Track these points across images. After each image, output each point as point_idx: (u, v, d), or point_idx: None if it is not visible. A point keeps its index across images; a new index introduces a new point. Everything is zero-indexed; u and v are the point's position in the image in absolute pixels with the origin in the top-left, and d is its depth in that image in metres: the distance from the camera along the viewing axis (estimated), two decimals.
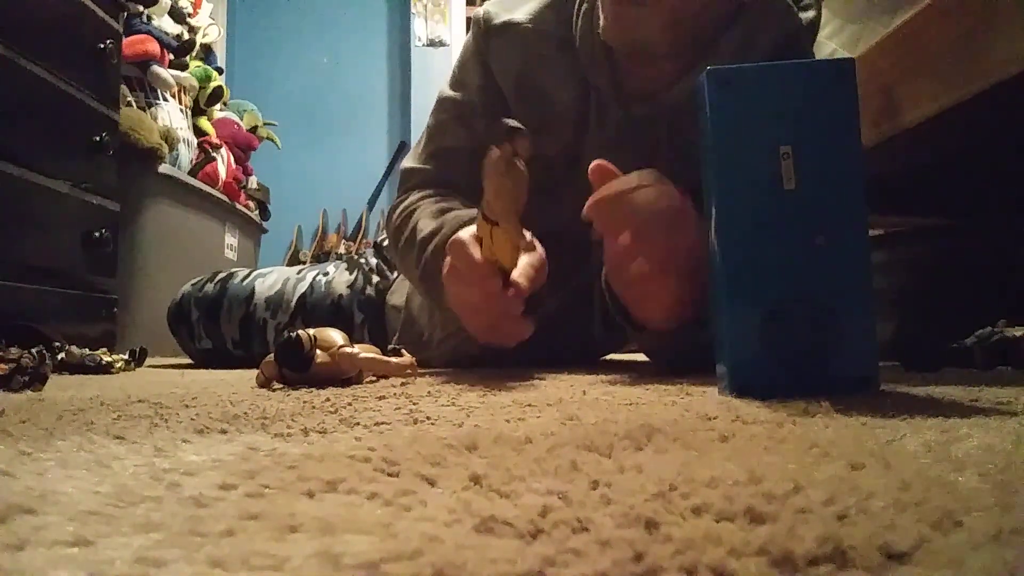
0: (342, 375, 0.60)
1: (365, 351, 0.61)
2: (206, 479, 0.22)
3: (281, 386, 0.58)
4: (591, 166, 0.61)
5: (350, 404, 0.45)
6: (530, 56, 0.86)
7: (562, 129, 0.86)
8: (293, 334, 0.57)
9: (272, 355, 0.59)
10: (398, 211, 0.92)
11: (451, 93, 0.93)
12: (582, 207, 0.87)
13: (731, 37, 0.78)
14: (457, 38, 3.77)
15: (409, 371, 0.64)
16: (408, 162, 0.98)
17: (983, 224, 1.21)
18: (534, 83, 0.86)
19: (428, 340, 0.96)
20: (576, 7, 0.83)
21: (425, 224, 0.83)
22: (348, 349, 0.59)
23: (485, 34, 0.88)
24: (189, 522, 0.17)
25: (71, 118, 1.34)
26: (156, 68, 1.99)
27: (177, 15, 2.15)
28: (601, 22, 0.77)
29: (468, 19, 0.91)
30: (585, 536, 0.16)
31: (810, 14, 0.83)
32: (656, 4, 0.72)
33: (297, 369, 0.57)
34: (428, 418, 0.37)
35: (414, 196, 0.91)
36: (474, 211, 0.77)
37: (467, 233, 0.67)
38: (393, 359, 0.63)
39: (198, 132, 2.25)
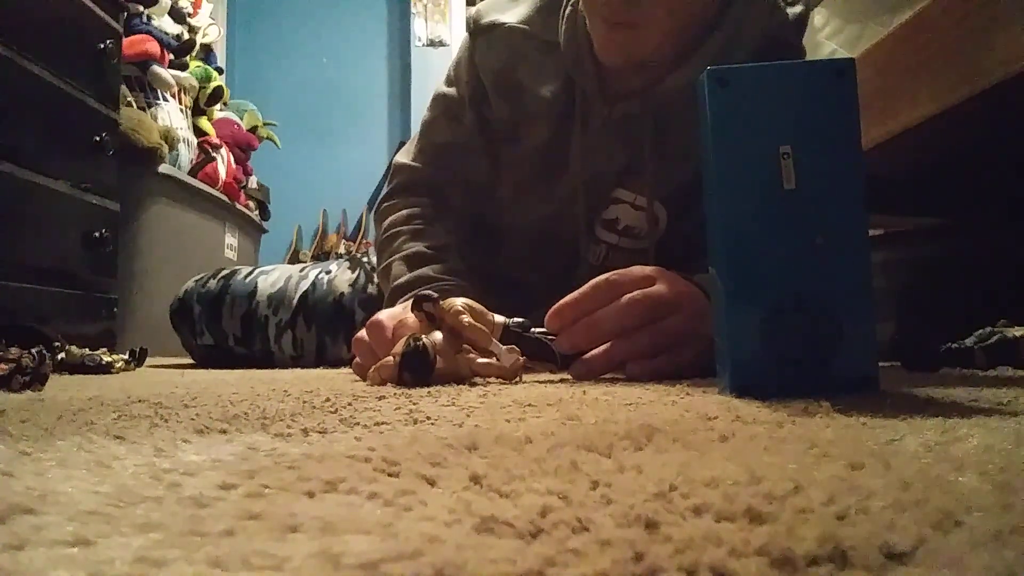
0: (459, 380, 0.61)
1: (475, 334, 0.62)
2: (206, 479, 0.22)
3: (394, 387, 0.59)
4: (548, 316, 0.65)
5: (350, 404, 0.45)
6: (512, 54, 0.88)
7: (541, 124, 0.87)
8: (420, 343, 0.58)
9: (391, 358, 0.60)
10: (384, 226, 0.96)
11: (444, 90, 0.97)
12: (570, 207, 0.88)
13: (719, 33, 0.78)
14: (457, 38, 3.78)
15: (515, 373, 0.63)
16: (400, 156, 1.01)
17: (983, 224, 1.21)
18: (514, 79, 0.88)
19: None
20: (562, 9, 0.84)
21: (400, 269, 0.87)
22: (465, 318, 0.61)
23: (473, 33, 0.91)
24: (189, 522, 0.17)
25: (71, 118, 1.34)
26: (156, 68, 1.99)
27: (177, 15, 2.15)
28: (595, 44, 0.78)
29: (467, 19, 0.93)
30: (585, 536, 0.16)
31: (798, 9, 0.83)
32: (649, 24, 0.73)
33: (420, 376, 0.58)
34: (428, 418, 0.37)
35: (401, 213, 0.94)
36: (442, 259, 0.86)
37: (386, 314, 0.71)
38: (499, 360, 0.62)
39: (198, 132, 2.25)
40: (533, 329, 0.65)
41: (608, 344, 0.63)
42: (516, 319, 0.66)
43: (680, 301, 0.63)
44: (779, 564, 0.15)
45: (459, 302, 0.62)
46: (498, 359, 0.62)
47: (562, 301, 0.64)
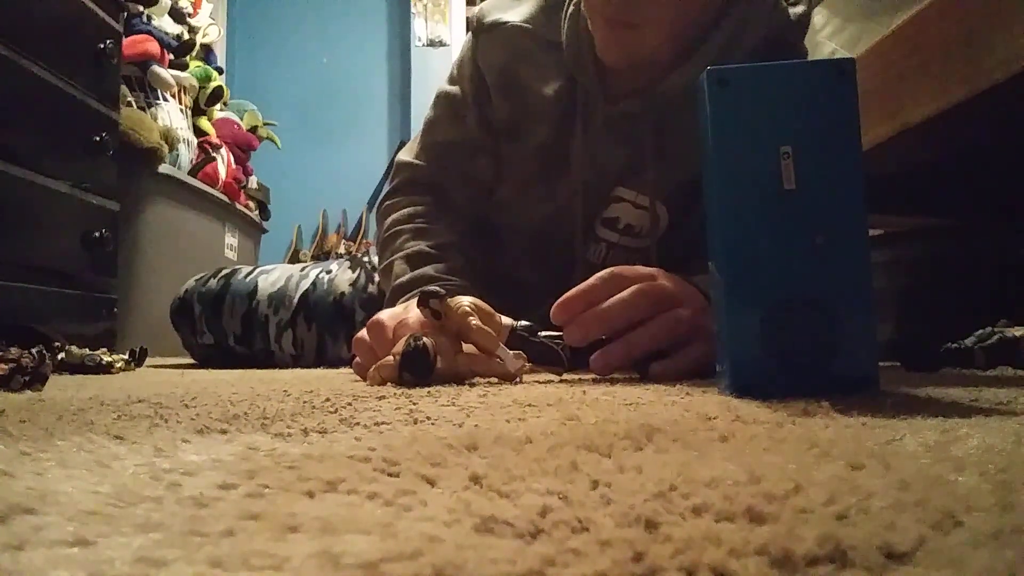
0: (459, 380, 0.61)
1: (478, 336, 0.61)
2: (206, 479, 0.22)
3: (395, 387, 0.59)
4: (553, 310, 0.64)
5: (350, 404, 0.45)
6: (515, 53, 0.88)
7: (543, 123, 0.87)
8: (420, 343, 0.57)
9: (391, 357, 0.60)
10: (385, 225, 0.95)
11: (447, 88, 0.97)
12: (570, 205, 0.89)
13: (720, 32, 0.78)
14: (457, 38, 3.78)
15: (515, 374, 0.63)
16: (403, 154, 1.01)
17: (983, 224, 1.21)
18: (516, 77, 0.88)
19: None
20: (564, 9, 0.84)
21: (401, 268, 0.87)
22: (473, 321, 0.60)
23: (476, 32, 0.92)
24: (189, 522, 0.17)
25: (71, 118, 1.34)
26: (156, 68, 1.99)
27: (177, 15, 2.15)
28: (596, 43, 0.78)
29: (468, 19, 0.94)
30: (585, 536, 0.16)
31: (799, 9, 0.83)
32: (649, 24, 0.73)
33: (420, 376, 0.58)
34: (428, 418, 0.37)
35: (402, 212, 0.94)
36: (444, 259, 0.85)
37: (387, 314, 0.70)
38: (503, 359, 0.62)
39: (198, 132, 2.25)
40: (540, 332, 0.65)
41: (625, 337, 0.63)
42: (523, 322, 0.65)
43: (683, 297, 0.64)
44: (779, 564, 0.15)
45: (466, 301, 0.62)
46: (503, 363, 0.61)
47: (568, 293, 0.64)
